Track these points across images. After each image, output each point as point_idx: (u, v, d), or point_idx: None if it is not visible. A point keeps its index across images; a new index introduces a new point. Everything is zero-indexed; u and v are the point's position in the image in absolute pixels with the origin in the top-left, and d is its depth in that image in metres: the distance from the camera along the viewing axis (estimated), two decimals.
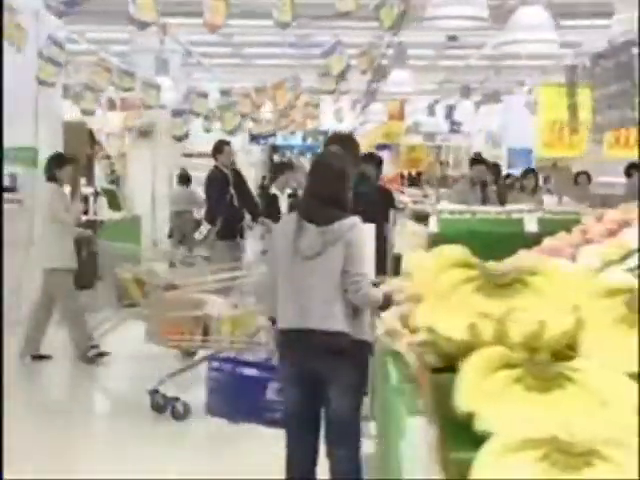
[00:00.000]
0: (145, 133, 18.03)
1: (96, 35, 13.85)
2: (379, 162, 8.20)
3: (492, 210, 6.39)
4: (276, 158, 30.46)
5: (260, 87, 9.89)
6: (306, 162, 22.97)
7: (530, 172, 11.99)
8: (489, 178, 10.36)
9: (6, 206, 10.25)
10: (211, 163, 10.52)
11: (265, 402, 5.80)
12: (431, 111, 20.10)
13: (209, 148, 10.38)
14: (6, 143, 10.30)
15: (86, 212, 13.45)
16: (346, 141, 6.18)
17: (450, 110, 18.05)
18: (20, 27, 8.88)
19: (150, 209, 18.23)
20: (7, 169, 10.29)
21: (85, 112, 9.94)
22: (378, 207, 6.92)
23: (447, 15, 7.25)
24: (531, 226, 5.81)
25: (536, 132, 14.87)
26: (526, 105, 18.21)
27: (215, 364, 6.18)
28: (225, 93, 10.95)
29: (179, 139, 11.43)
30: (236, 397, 5.98)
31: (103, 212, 15.03)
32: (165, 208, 18.92)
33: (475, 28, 11.42)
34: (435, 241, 5.61)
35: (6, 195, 10.25)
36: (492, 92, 16.42)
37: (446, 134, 21.29)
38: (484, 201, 9.40)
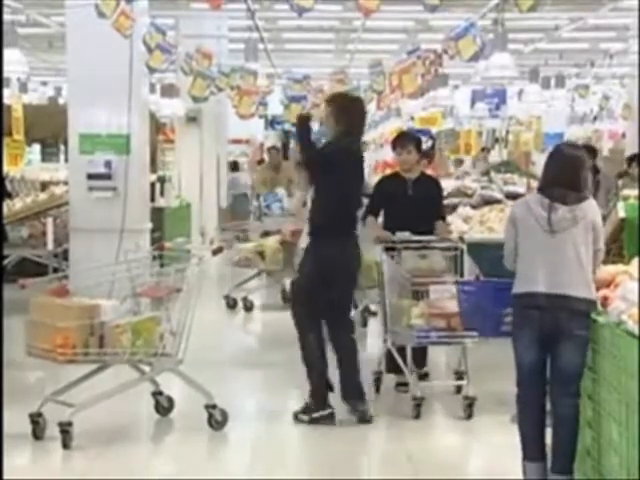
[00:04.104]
0: (192, 119, 18.00)
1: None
2: None
3: None
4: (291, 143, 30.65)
5: (377, 70, 9.77)
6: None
7: (635, 158, 11.32)
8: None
9: (101, 194, 10.26)
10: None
11: None
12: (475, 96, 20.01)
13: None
14: (101, 130, 10.33)
15: (152, 199, 13.44)
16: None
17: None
18: (127, 15, 8.82)
19: (198, 197, 18.19)
20: (102, 156, 10.26)
21: (196, 99, 9.85)
22: None
23: None
24: None
25: None
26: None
27: None
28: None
29: None
30: None
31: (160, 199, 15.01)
32: (213, 196, 18.93)
33: None
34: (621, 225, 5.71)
35: (101, 182, 10.24)
36: (556, 75, 16.38)
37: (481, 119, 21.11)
38: (596, 188, 9.22)
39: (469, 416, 6.74)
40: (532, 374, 5.12)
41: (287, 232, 11.05)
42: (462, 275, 7.15)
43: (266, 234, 11.97)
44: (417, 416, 6.72)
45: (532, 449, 5.12)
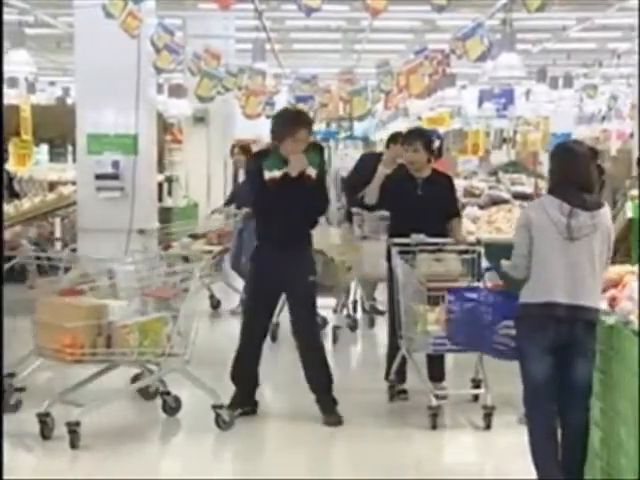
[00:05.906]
0: (200, 119, 18.03)
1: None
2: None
3: None
4: None
5: (384, 70, 9.78)
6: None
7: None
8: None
9: (109, 194, 10.27)
10: None
11: None
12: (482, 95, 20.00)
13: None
14: (109, 130, 10.35)
15: (160, 198, 13.46)
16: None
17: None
18: (134, 15, 8.84)
19: (205, 197, 18.22)
20: (110, 156, 10.27)
21: (202, 99, 9.86)
22: None
23: None
24: None
25: None
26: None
27: None
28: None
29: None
30: None
31: (167, 199, 15.06)
32: (220, 196, 18.93)
33: None
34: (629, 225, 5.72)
35: (109, 183, 10.26)
36: (564, 75, 16.37)
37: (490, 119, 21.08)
38: (601, 188, 9.19)
39: (488, 426, 6.44)
40: (547, 389, 4.87)
41: (214, 235, 10.86)
42: (479, 279, 6.39)
43: (194, 237, 11.45)
44: (434, 426, 6.42)
45: (553, 475, 4.83)
